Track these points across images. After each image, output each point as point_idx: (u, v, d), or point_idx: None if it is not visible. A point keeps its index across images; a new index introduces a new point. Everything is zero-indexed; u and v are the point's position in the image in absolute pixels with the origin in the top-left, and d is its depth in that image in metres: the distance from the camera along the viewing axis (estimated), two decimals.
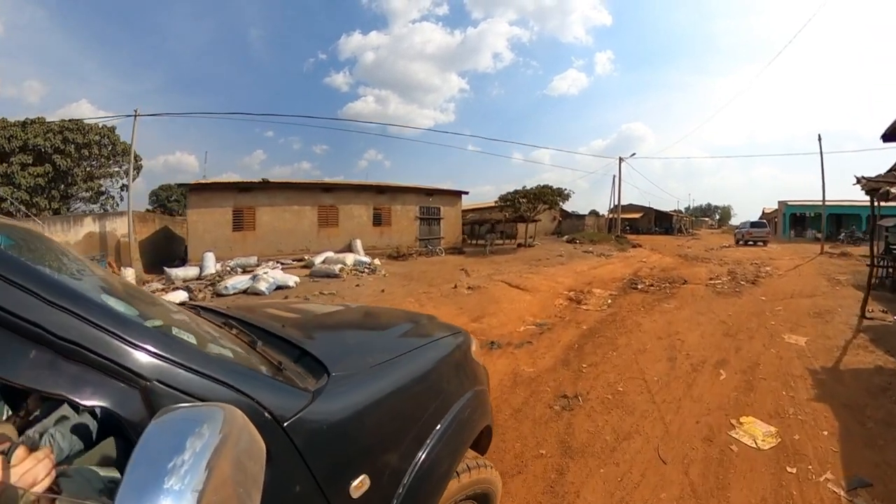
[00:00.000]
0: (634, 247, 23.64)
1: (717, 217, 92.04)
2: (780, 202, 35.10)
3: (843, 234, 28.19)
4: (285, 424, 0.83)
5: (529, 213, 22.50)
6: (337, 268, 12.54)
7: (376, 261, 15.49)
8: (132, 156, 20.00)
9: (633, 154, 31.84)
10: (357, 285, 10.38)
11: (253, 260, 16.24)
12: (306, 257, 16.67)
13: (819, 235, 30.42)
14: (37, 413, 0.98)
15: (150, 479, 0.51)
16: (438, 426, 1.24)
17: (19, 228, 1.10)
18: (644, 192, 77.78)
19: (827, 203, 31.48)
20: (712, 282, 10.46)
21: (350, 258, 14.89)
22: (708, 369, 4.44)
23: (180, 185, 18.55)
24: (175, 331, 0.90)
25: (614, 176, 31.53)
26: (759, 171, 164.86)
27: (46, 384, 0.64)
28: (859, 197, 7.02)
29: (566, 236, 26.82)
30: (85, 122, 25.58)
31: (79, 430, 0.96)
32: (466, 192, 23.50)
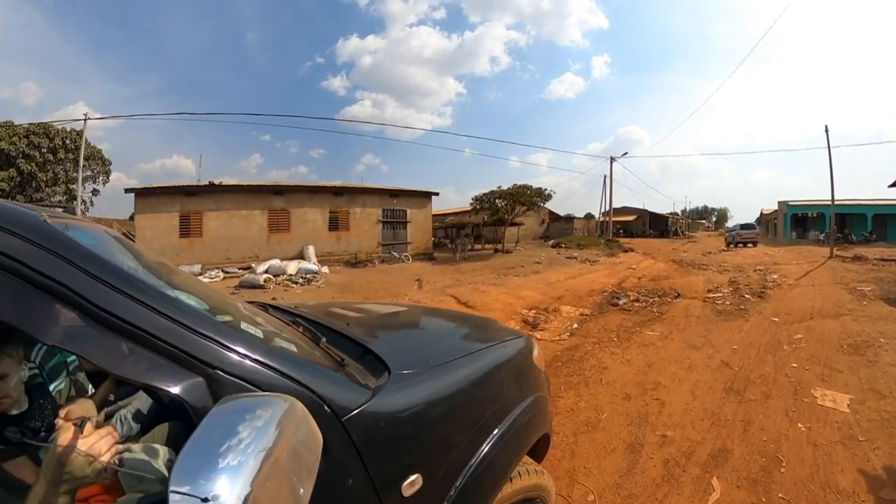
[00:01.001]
0: (625, 251, 21.85)
1: (714, 219, 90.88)
2: (780, 202, 33.32)
3: (840, 235, 26.52)
4: (344, 419, 0.83)
5: (507, 216, 20.72)
6: (262, 278, 10.79)
7: (324, 269, 13.72)
8: (80, 161, 18.54)
9: (626, 153, 30.00)
10: (273, 298, 8.42)
11: (196, 268, 14.58)
12: (253, 265, 14.88)
13: (822, 237, 28.72)
14: (112, 394, 1.22)
15: (206, 458, 0.53)
16: (496, 431, 1.21)
17: (99, 229, 1.16)
18: (638, 195, 76.28)
19: (830, 203, 29.83)
20: (711, 295, 8.56)
21: (293, 266, 13.09)
22: (692, 476, 2.51)
23: (128, 190, 16.90)
24: (243, 325, 0.94)
25: (605, 177, 29.79)
26: (757, 173, 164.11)
27: (123, 370, 0.70)
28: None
29: (552, 241, 25.03)
30: (51, 125, 24.53)
31: (147, 412, 1.17)
32: (436, 193, 21.96)
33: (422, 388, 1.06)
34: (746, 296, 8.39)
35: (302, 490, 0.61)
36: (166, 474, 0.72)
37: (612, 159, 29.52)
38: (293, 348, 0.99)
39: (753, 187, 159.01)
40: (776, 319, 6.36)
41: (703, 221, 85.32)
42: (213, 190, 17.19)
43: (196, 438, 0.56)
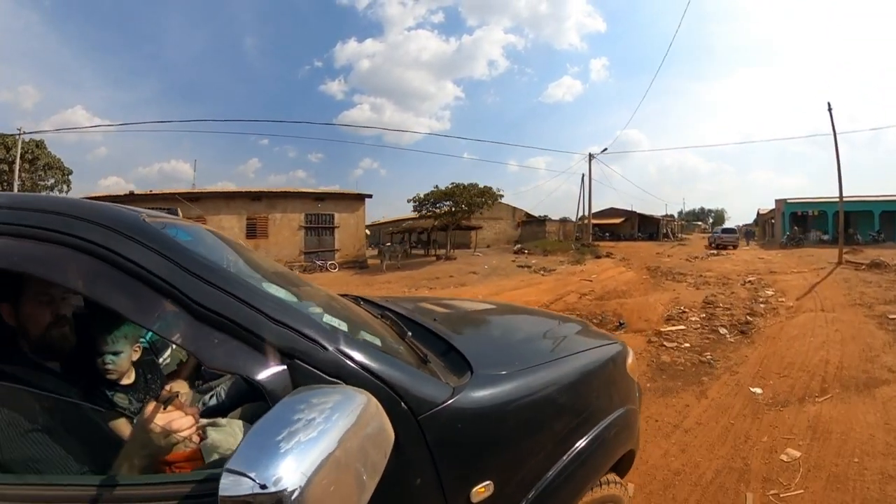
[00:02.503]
0: (599, 257, 18.92)
1: (711, 221, 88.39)
2: (777, 200, 30.12)
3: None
4: (420, 417, 0.80)
5: (453, 219, 18.16)
6: None
7: None
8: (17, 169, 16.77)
9: (605, 149, 27.14)
10: None
11: None
12: None
13: (824, 237, 25.75)
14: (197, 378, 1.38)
15: (269, 443, 0.53)
16: (578, 443, 1.13)
17: (198, 227, 1.24)
18: (633, 198, 73.72)
19: (835, 200, 26.83)
20: (668, 329, 5.62)
21: None
22: None
23: None
24: (327, 317, 0.95)
25: (584, 175, 26.93)
26: (755, 174, 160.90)
27: (212, 357, 0.73)
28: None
29: (518, 245, 22.22)
30: (9, 136, 23.59)
31: (237, 392, 1.24)
32: (369, 195, 19.76)
33: (504, 392, 0.99)
34: (722, 330, 5.46)
35: (365, 485, 0.60)
36: None
37: (591, 156, 26.67)
38: (377, 342, 0.98)
39: (751, 189, 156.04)
40: (758, 392, 3.42)
41: (700, 223, 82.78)
42: (132, 198, 15.89)
43: (262, 424, 0.57)
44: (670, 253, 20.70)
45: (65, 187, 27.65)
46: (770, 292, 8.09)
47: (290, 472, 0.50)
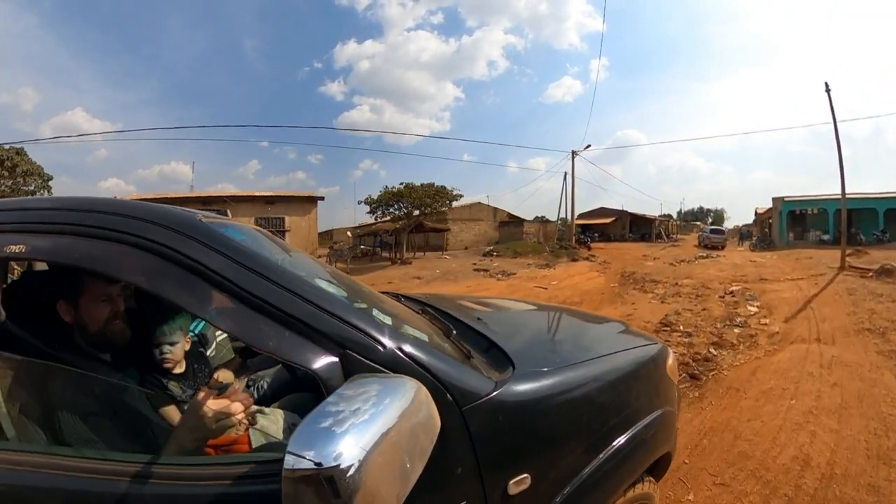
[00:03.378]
0: (576, 260, 17.27)
1: (710, 221, 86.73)
2: (774, 199, 28.17)
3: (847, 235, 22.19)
4: (464, 408, 0.83)
5: (412, 220, 16.88)
6: None
7: None
8: None
9: (588, 146, 25.48)
10: None
11: None
12: None
13: (825, 237, 23.97)
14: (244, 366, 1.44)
15: (327, 427, 0.55)
16: (616, 442, 1.12)
17: (251, 228, 1.26)
18: (631, 198, 72.06)
19: (835, 197, 25.05)
20: None
21: None
22: None
23: None
24: (375, 312, 0.97)
25: (566, 174, 25.26)
26: (755, 175, 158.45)
27: (269, 347, 0.77)
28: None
29: (490, 248, 20.62)
30: None
31: (282, 381, 1.35)
32: (321, 198, 19.16)
33: (545, 388, 1.01)
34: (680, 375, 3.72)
35: (413, 469, 0.62)
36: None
37: (574, 153, 24.99)
38: (424, 337, 1.00)
39: (751, 188, 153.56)
40: None
41: (698, 223, 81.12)
42: None
43: (321, 408, 0.59)
44: (657, 255, 19.02)
45: (45, 192, 28.13)
46: (753, 309, 6.40)
47: (347, 450, 0.53)
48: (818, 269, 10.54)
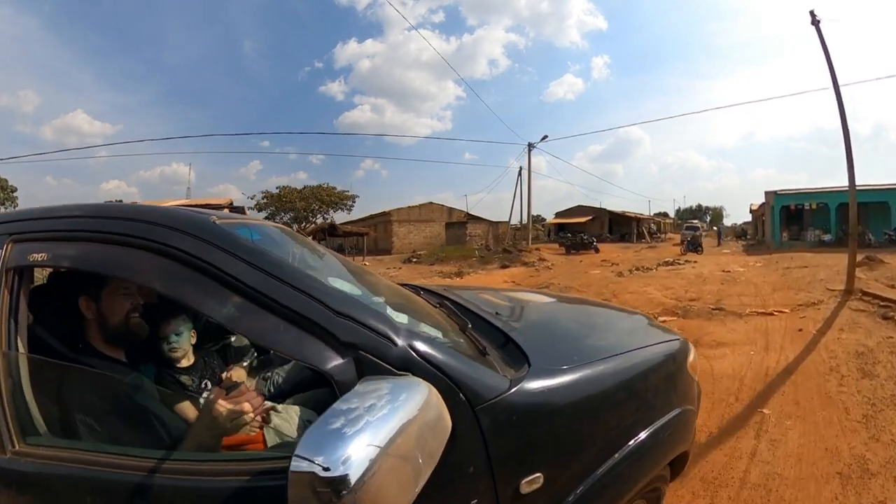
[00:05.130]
0: (506, 267, 14.00)
1: (708, 219, 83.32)
2: (767, 193, 24.40)
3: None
4: (477, 408, 0.82)
5: (302, 224, 14.07)
6: None
7: None
8: None
9: (545, 137, 22.12)
10: None
11: None
12: None
13: (825, 237, 20.18)
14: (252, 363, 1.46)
15: (335, 431, 0.56)
16: (632, 441, 1.10)
17: (269, 226, 1.33)
18: (631, 198, 68.83)
19: (838, 189, 21.18)
20: None
21: None
22: None
23: None
24: (390, 310, 0.99)
25: (521, 168, 21.79)
26: (756, 172, 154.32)
27: (282, 348, 0.82)
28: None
29: (418, 253, 17.39)
30: None
31: (295, 379, 1.32)
32: (233, 204, 18.38)
33: (561, 386, 0.99)
34: None
35: (421, 472, 0.62)
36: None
37: (531, 146, 21.56)
38: (438, 334, 1.01)
39: (753, 186, 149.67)
40: None
41: (695, 222, 77.96)
42: None
43: (329, 412, 0.60)
44: (619, 260, 15.57)
45: (10, 204, 28.80)
46: None
47: (354, 456, 0.53)
48: (810, 292, 6.74)
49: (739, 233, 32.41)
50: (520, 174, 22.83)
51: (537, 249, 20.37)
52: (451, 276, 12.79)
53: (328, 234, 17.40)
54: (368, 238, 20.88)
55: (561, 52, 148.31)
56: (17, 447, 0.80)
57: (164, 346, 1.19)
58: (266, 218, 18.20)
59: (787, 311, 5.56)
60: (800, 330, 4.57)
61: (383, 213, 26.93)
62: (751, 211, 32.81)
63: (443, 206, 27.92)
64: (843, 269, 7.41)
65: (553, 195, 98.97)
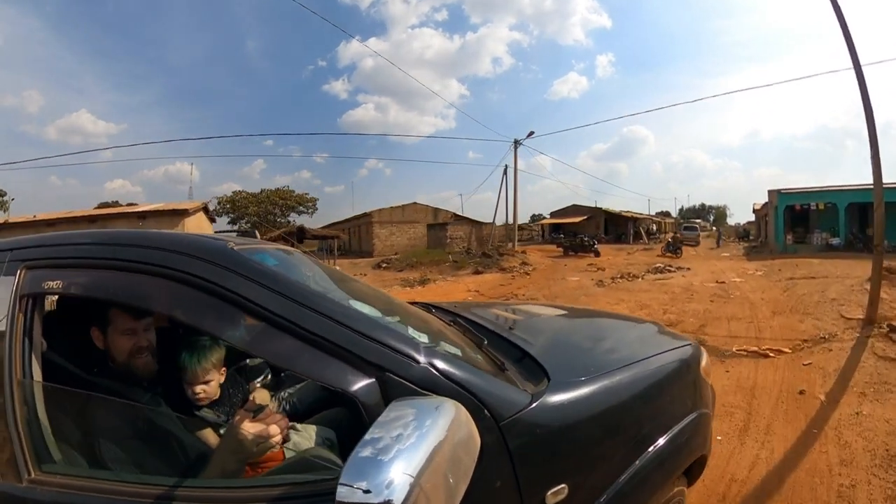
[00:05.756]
0: (480, 273, 12.85)
1: (712, 218, 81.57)
2: (770, 192, 22.88)
3: (860, 238, 16.88)
4: (501, 424, 0.84)
5: (264, 228, 13.38)
6: None
7: None
8: None
9: (532, 133, 20.78)
10: None
11: None
12: None
13: (833, 240, 18.70)
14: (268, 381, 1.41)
15: (375, 456, 0.58)
16: (651, 448, 1.12)
17: (286, 251, 1.32)
18: (630, 198, 67.28)
19: (846, 188, 19.66)
20: None
21: None
22: None
23: None
24: (410, 330, 0.98)
25: (507, 166, 20.47)
26: (762, 171, 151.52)
27: (307, 371, 0.83)
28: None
29: (392, 257, 16.33)
30: None
31: (312, 398, 1.32)
32: (189, 212, 17.66)
33: (581, 398, 1.01)
34: None
35: (457, 490, 0.63)
36: (323, 453, 0.80)
37: (517, 143, 20.34)
38: (458, 352, 1.00)
39: (758, 185, 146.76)
40: None
41: (699, 221, 76.43)
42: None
43: (366, 438, 0.61)
44: (606, 265, 14.24)
45: (1, 210, 28.94)
46: None
47: (396, 479, 0.55)
48: (819, 318, 5.37)
49: (741, 233, 30.93)
50: (505, 172, 21.49)
51: (523, 252, 19.07)
52: (414, 284, 11.51)
53: (297, 238, 16.24)
54: (353, 240, 19.75)
55: (565, 50, 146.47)
56: (32, 475, 0.81)
57: (189, 393, 1.12)
58: (229, 223, 17.42)
59: (787, 349, 4.24)
60: (801, 392, 3.20)
61: (364, 215, 25.73)
62: (754, 210, 31.29)
63: (427, 206, 26.65)
64: (856, 282, 6.13)
65: (556, 194, 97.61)
